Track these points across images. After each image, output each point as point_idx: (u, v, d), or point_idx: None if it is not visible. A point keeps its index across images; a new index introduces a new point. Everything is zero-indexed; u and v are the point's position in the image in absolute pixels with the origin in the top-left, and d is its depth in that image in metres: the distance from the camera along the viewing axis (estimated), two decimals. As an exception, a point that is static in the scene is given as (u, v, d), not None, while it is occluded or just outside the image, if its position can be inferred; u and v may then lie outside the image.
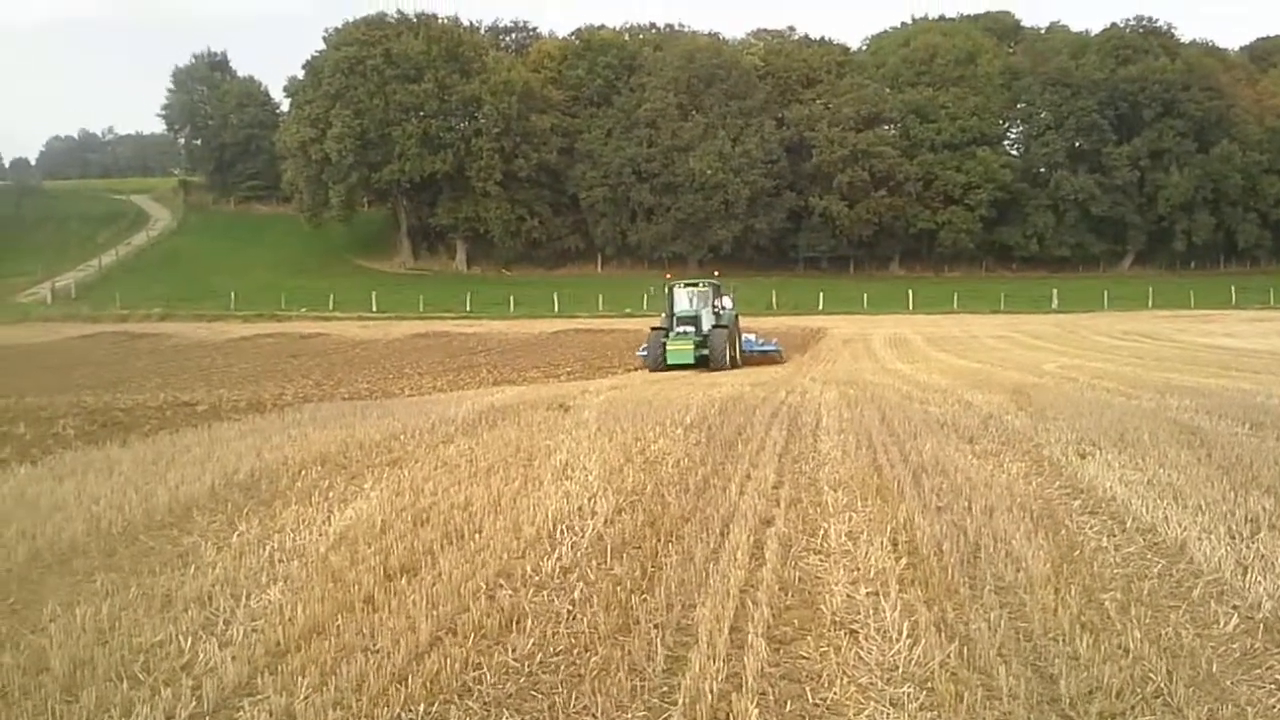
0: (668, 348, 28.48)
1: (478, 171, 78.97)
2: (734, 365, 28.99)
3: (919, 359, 32.43)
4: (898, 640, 5.01)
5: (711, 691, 4.39)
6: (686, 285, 32.17)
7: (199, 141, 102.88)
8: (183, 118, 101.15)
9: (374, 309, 63.29)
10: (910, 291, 69.96)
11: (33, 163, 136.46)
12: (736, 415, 13.24)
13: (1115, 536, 6.98)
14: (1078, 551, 6.61)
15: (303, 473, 9.14)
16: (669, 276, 33.93)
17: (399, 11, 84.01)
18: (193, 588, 5.70)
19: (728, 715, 4.23)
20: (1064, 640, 5.05)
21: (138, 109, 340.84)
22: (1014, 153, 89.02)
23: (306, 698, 4.27)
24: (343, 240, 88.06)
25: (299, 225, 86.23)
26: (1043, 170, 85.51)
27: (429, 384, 24.68)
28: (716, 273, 38.54)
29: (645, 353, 29.81)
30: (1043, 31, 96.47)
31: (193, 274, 72.50)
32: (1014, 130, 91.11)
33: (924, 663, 4.74)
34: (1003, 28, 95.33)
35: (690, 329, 29.33)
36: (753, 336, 33.58)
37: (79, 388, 23.89)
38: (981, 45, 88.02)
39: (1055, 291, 68.99)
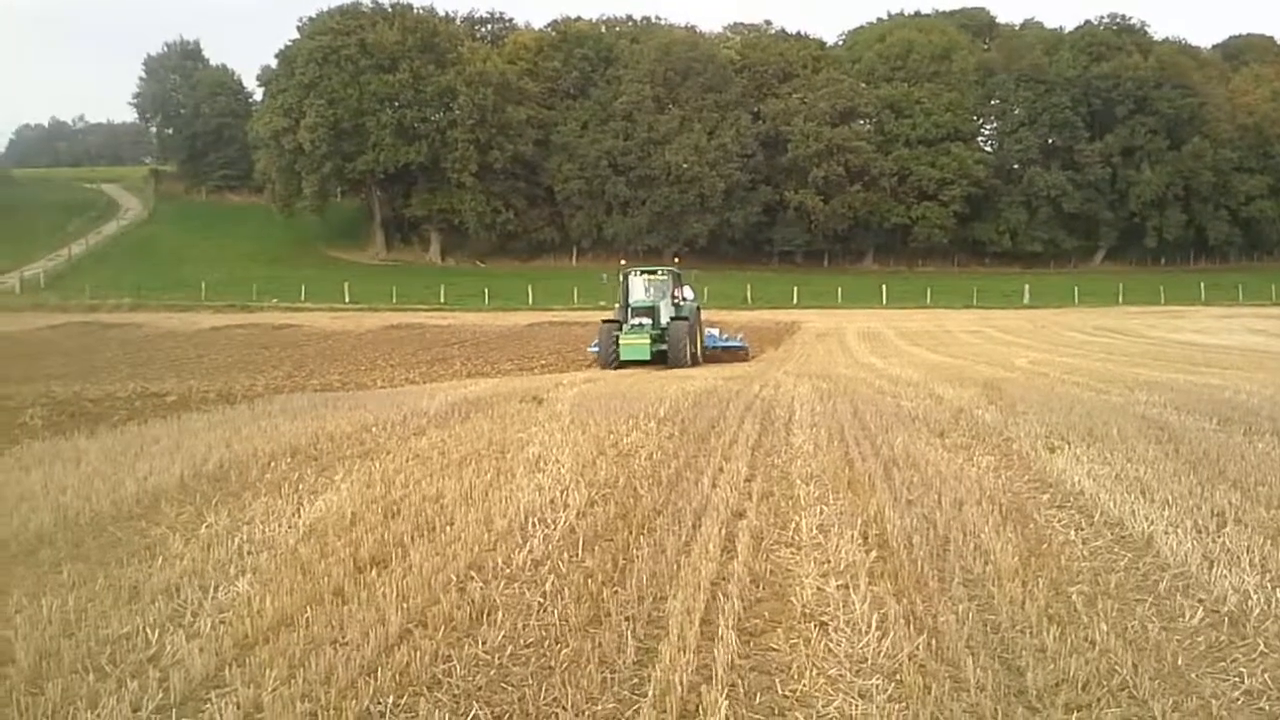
0: (621, 342, 26.19)
1: (453, 163, 78.68)
2: (695, 362, 26.63)
3: (892, 353, 32.58)
4: (867, 632, 5.03)
5: (681, 683, 4.39)
6: (643, 273, 29.49)
7: (171, 131, 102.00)
8: (154, 106, 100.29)
9: (347, 300, 62.96)
10: (884, 286, 70.35)
11: (2, 151, 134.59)
12: (710, 408, 13.26)
13: (1083, 530, 7.04)
14: (1046, 545, 6.66)
15: (272, 464, 9.07)
16: (624, 262, 30.93)
17: (374, 1, 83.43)
18: (160, 579, 5.65)
19: (697, 707, 4.24)
20: (1031, 632, 5.09)
21: (109, 97, 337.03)
22: (988, 149, 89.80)
23: (274, 690, 4.25)
24: (316, 231, 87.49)
25: (271, 215, 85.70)
26: (1016, 166, 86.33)
27: (402, 376, 24.54)
28: (677, 259, 34.88)
29: (597, 348, 27.44)
30: (1017, 28, 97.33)
31: (164, 264, 71.79)
32: (988, 126, 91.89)
33: (893, 654, 4.76)
34: (978, 24, 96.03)
35: (646, 321, 26.92)
36: (716, 331, 31.95)
37: (48, 378, 23.58)
38: (956, 41, 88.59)
39: (1027, 287, 69.59)
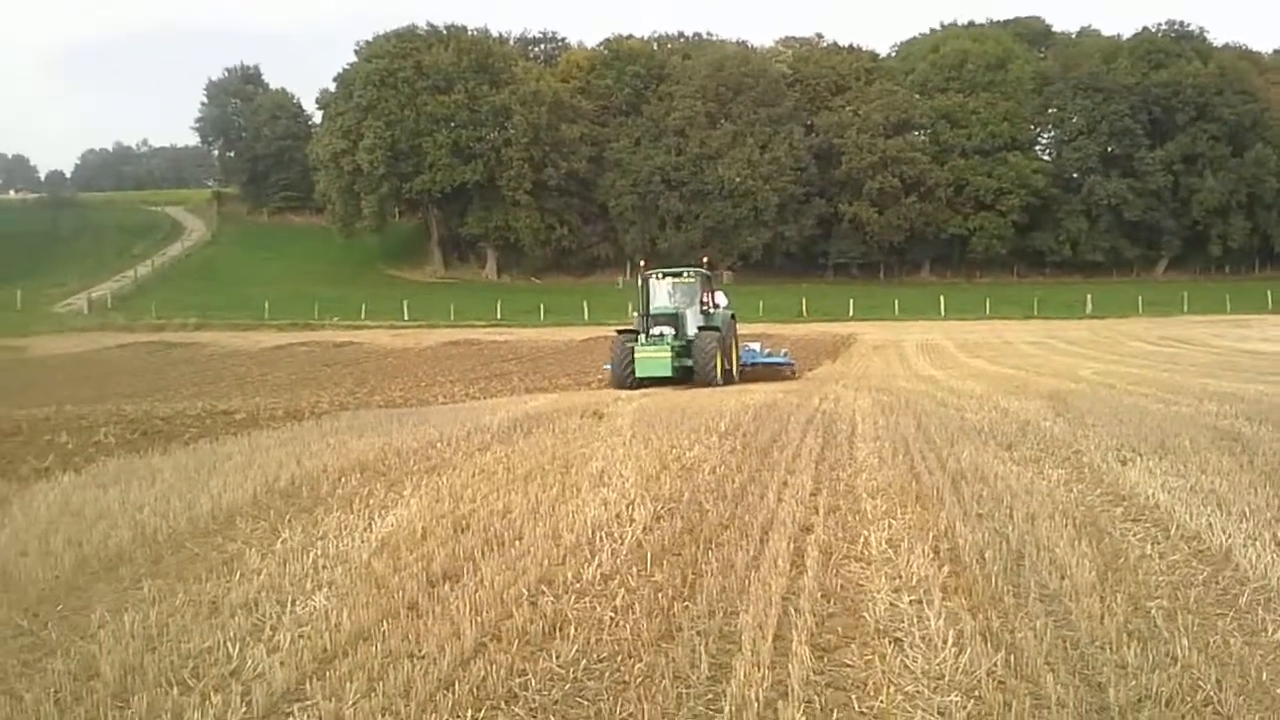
0: (637, 356, 22.57)
1: (508, 181, 79.49)
2: (728, 380, 23.43)
3: (952, 365, 32.25)
4: (943, 649, 4.97)
5: (758, 699, 4.38)
6: (666, 275, 25.49)
7: (232, 154, 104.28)
8: (216, 130, 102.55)
9: (405, 318, 63.77)
10: (942, 297, 69.66)
11: (68, 175, 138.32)
12: (771, 422, 13.21)
13: (1159, 544, 6.90)
14: (1122, 559, 6.54)
15: (343, 480, 9.21)
16: (643, 264, 26.16)
17: (429, 23, 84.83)
18: (239, 594, 5.76)
19: (779, 726, 4.21)
20: (1111, 648, 4.99)
21: (172, 122, 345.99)
22: (1046, 158, 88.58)
23: (355, 703, 4.31)
24: (375, 250, 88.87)
25: (332, 236, 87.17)
26: (1075, 175, 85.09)
27: (461, 392, 24.74)
28: (704, 258, 30.27)
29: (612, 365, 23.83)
30: (1073, 36, 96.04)
31: (227, 284, 73.32)
32: (1045, 135, 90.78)
33: (970, 671, 4.70)
34: (1033, 33, 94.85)
35: (668, 331, 23.10)
36: (756, 346, 28.85)
37: (117, 396, 24.21)
38: (1012, 50, 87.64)
39: (1089, 297, 68.45)
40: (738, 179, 79.54)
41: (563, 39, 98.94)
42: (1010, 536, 6.98)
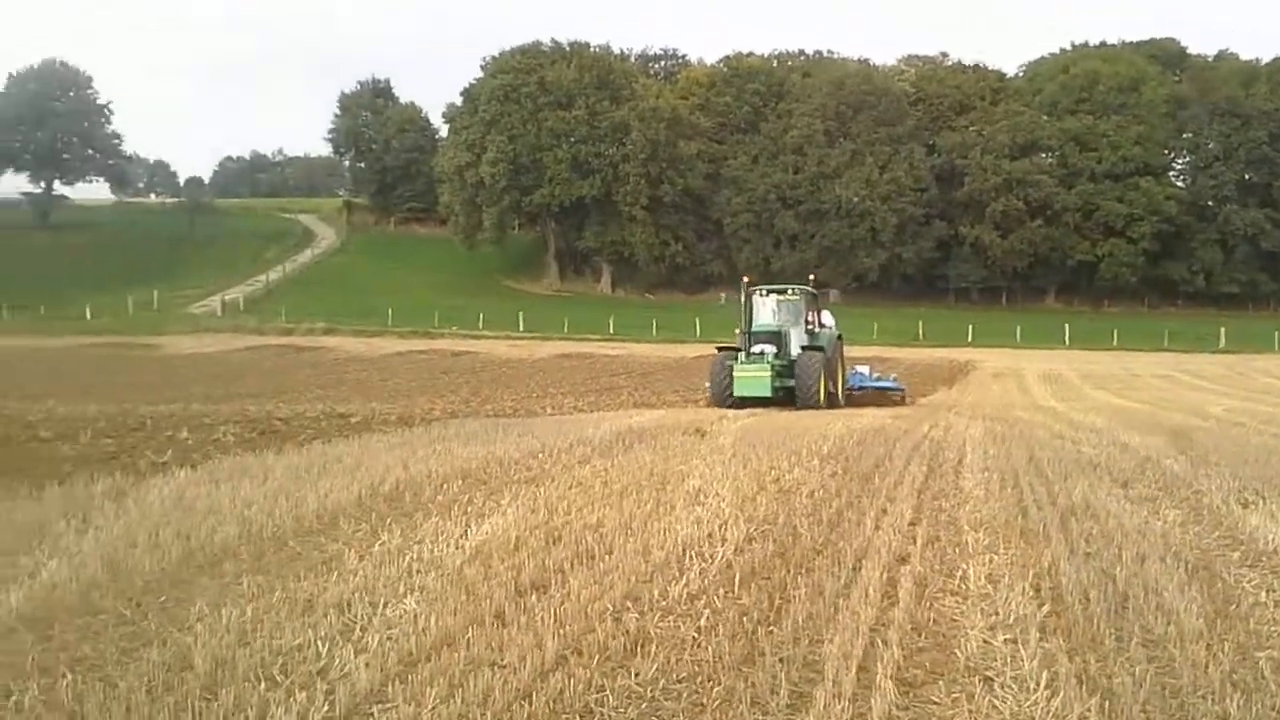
0: (735, 374, 21.93)
1: (624, 196, 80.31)
2: (833, 404, 22.50)
3: (1074, 397, 31.24)
4: (1035, 690, 4.79)
5: (835, 730, 4.30)
6: (771, 292, 24.71)
7: (363, 165, 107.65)
8: (348, 141, 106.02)
9: (521, 329, 64.71)
10: (1066, 326, 67.41)
11: (206, 181, 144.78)
12: (875, 447, 12.99)
13: (1275, 592, 6.53)
14: (1234, 606, 6.22)
15: (445, 486, 9.39)
16: (746, 280, 25.25)
17: (553, 40, 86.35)
18: (334, 594, 5.91)
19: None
20: (1213, 699, 4.75)
21: (306, 132, 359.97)
22: (1179, 184, 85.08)
23: (434, 708, 4.37)
24: (494, 262, 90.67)
25: (453, 246, 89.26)
26: (1210, 203, 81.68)
27: (571, 404, 24.96)
28: (812, 276, 29.20)
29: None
30: (1210, 60, 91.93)
31: (353, 291, 75.59)
32: (1180, 161, 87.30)
33: (1062, 715, 4.53)
34: (1167, 55, 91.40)
35: (770, 349, 22.35)
36: (865, 369, 28.04)
37: (243, 397, 25.15)
38: (1145, 73, 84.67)
39: (1223, 330, 65.30)
40: (855, 199, 78.71)
41: (683, 56, 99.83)
42: (1117, 577, 6.70)
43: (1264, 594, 6.49)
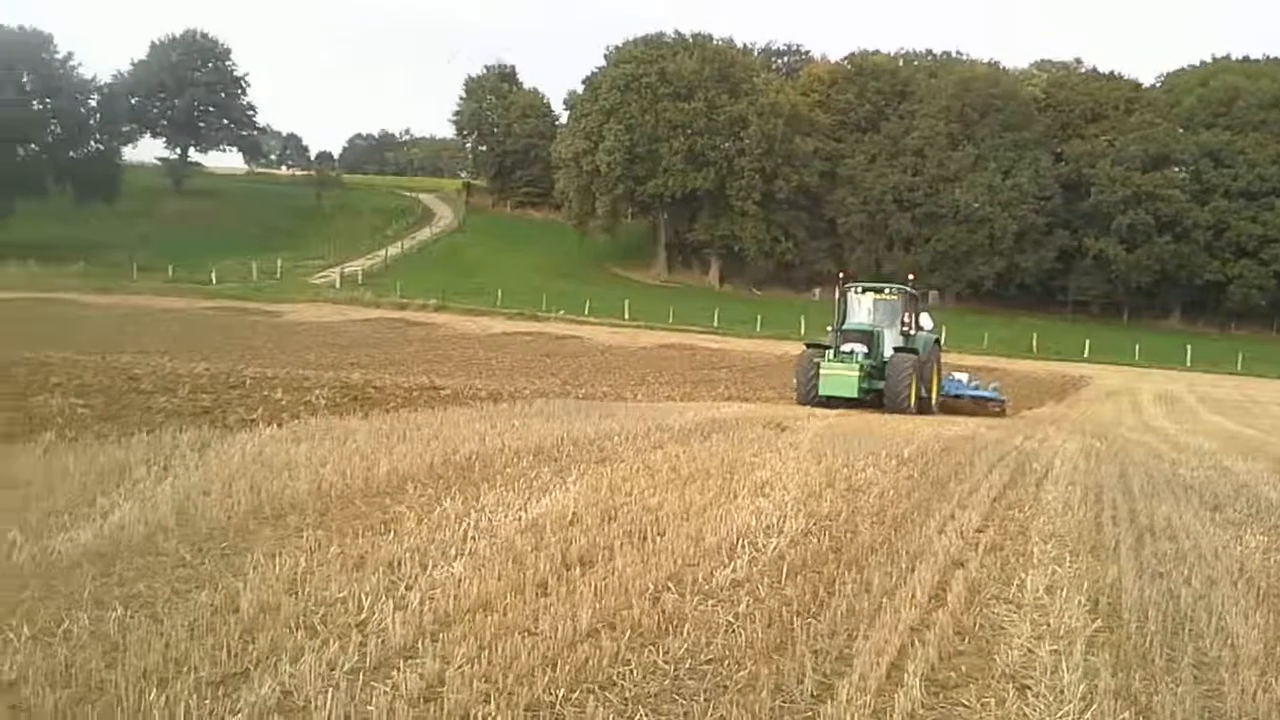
0: (822, 372, 21.32)
1: (737, 190, 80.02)
2: (923, 410, 21.71)
3: (1188, 419, 30.02)
4: (1068, 702, 4.68)
5: (851, 721, 4.27)
6: (867, 290, 23.99)
7: (484, 148, 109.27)
8: (471, 124, 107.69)
9: (626, 317, 65.02)
10: (1189, 346, 64.71)
11: (336, 157, 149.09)
12: (959, 454, 12.73)
13: (1354, 626, 6.22)
14: (1303, 636, 5.95)
15: (516, 460, 9.55)
16: (841, 275, 24.89)
17: (676, 31, 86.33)
18: (387, 553, 6.09)
19: (866, 751, 4.09)
20: (1259, 725, 4.57)
21: (434, 114, 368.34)
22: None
23: (460, 667, 4.48)
24: (605, 249, 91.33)
25: (565, 232, 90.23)
26: (1351, 227, 77.16)
27: (665, 393, 24.95)
28: (912, 275, 28.61)
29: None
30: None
31: (467, 271, 77.03)
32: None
33: (1091, 727, 4.41)
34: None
35: (861, 349, 21.72)
36: (964, 377, 27.32)
37: (350, 366, 25.88)
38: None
39: (1358, 360, 61.79)
40: (975, 204, 76.84)
41: (807, 52, 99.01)
42: (1182, 598, 6.48)
43: (1339, 626, 6.19)
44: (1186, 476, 12.55)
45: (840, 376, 21.16)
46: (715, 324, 64.09)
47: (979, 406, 25.22)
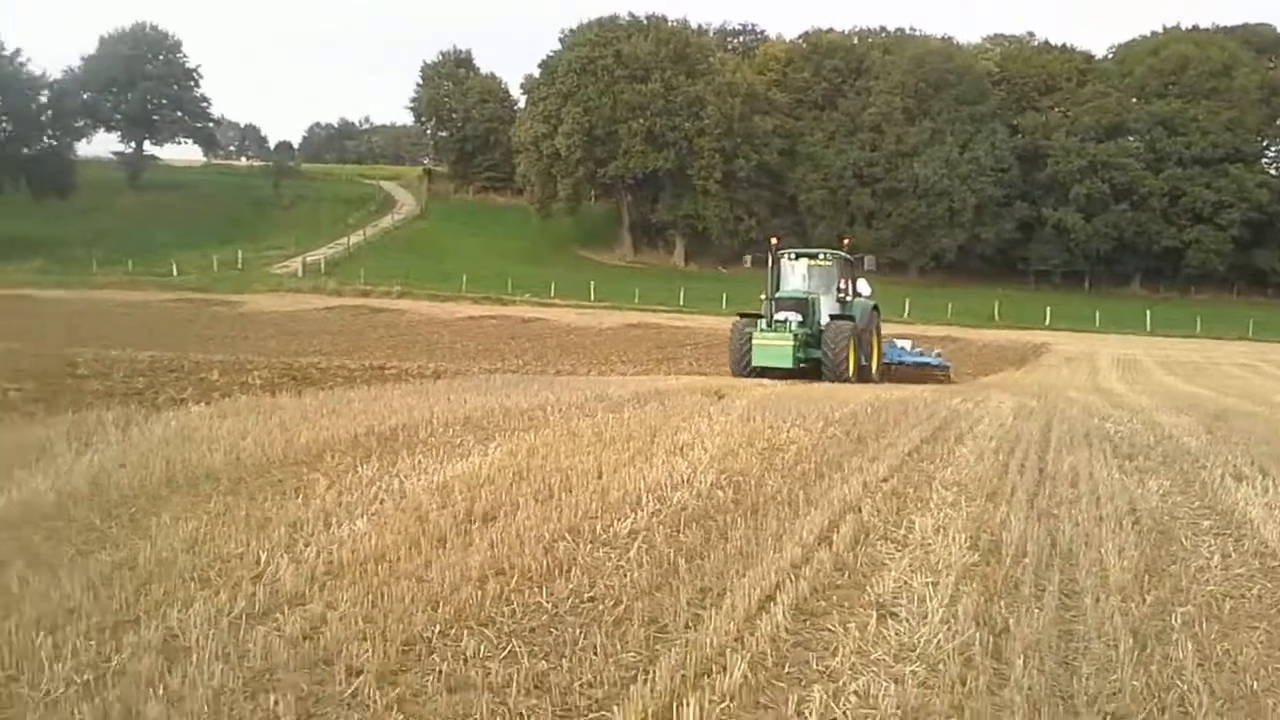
0: (755, 343, 20.62)
1: (699, 170, 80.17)
2: (864, 378, 21.05)
3: (1142, 381, 30.62)
4: (929, 625, 4.94)
5: (712, 645, 4.51)
6: (801, 256, 23.20)
7: (444, 134, 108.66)
8: (429, 111, 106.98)
9: (592, 298, 65.06)
10: (1148, 312, 65.59)
11: (296, 146, 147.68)
12: (889, 415, 13.01)
13: (1229, 556, 6.55)
14: (1175, 565, 6.27)
15: (443, 430, 9.73)
16: (774, 241, 23.65)
17: (630, 13, 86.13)
18: (292, 514, 6.28)
19: (723, 669, 4.32)
20: (1108, 644, 4.84)
21: (393, 101, 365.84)
22: (1272, 172, 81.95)
23: (343, 611, 4.69)
24: (569, 232, 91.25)
25: (529, 216, 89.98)
26: (1304, 191, 78.38)
27: (628, 370, 24.99)
28: (846, 240, 27.77)
29: None
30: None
31: (431, 257, 76.67)
32: (1272, 148, 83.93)
33: (943, 646, 4.67)
34: (1262, 41, 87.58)
35: (795, 317, 20.92)
36: (907, 344, 26.88)
37: (312, 353, 25.73)
38: (1237, 57, 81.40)
39: (1310, 320, 62.85)
40: (934, 178, 77.37)
41: (762, 31, 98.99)
42: (1066, 534, 6.79)
43: (1216, 558, 6.51)
44: (1111, 430, 12.89)
45: (774, 347, 20.49)
46: (681, 303, 64.29)
47: (924, 374, 25.03)
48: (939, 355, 27.53)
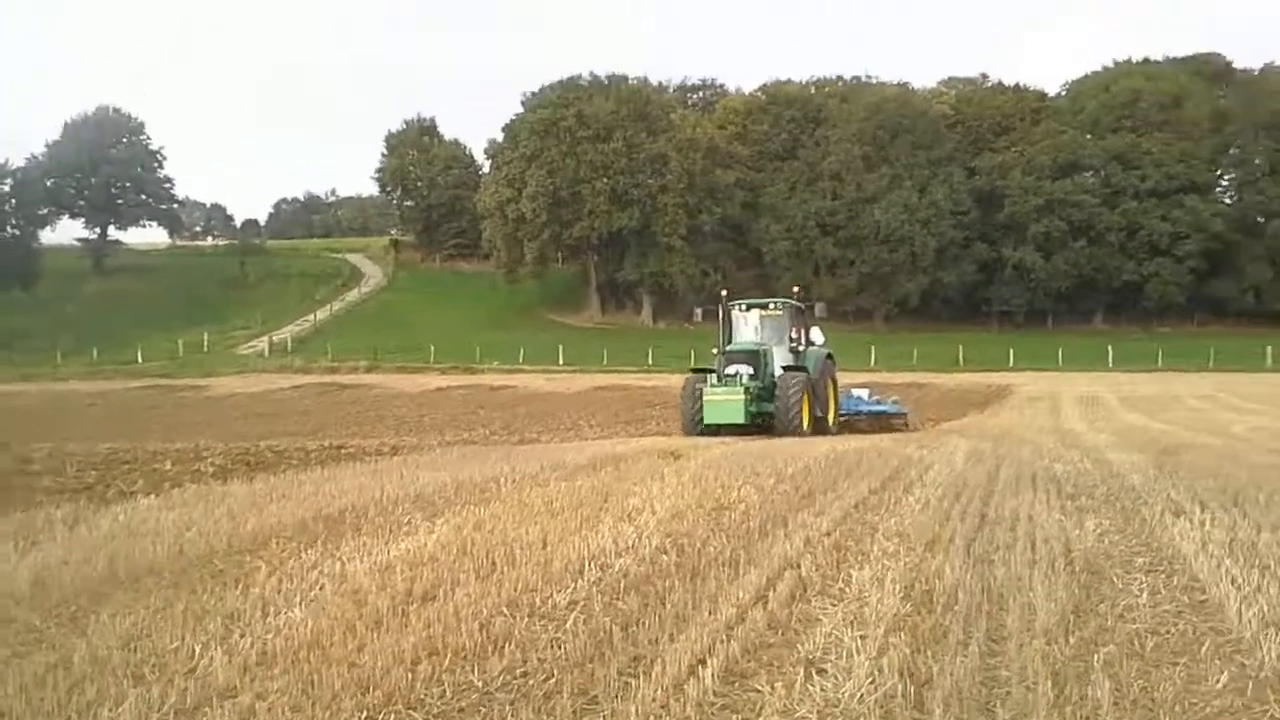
0: (705, 399, 19.88)
1: (663, 226, 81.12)
2: (820, 431, 20.54)
3: (1104, 419, 30.89)
4: (855, 679, 5.04)
5: (638, 713, 4.59)
6: (752, 307, 22.78)
7: (410, 203, 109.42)
8: (395, 180, 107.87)
9: (560, 362, 65.29)
10: (1110, 348, 66.46)
11: (262, 224, 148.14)
12: (843, 467, 13.16)
13: (1158, 594, 6.69)
14: (1104, 604, 6.40)
15: (391, 509, 9.76)
16: (724, 293, 23.48)
17: (591, 74, 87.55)
18: (230, 604, 6.31)
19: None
20: (1028, 687, 4.96)
21: (359, 173, 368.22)
22: (1226, 201, 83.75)
23: (272, 701, 4.74)
24: (536, 295, 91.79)
25: (497, 281, 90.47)
26: (1260, 220, 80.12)
27: (593, 434, 25.04)
28: (797, 289, 27.35)
29: None
30: (1256, 74, 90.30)
31: (398, 328, 76.93)
32: (1226, 177, 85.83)
33: (865, 699, 4.77)
34: (1212, 70, 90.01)
35: (746, 370, 20.32)
36: (863, 393, 26.15)
37: (277, 434, 25.65)
38: (1188, 88, 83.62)
39: (1269, 349, 63.79)
40: (894, 223, 78.54)
41: (721, 85, 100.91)
42: (996, 579, 6.91)
43: (1145, 595, 6.65)
44: (1059, 470, 13.09)
45: (725, 402, 19.83)
46: (650, 362, 64.65)
47: (883, 423, 24.70)
48: (895, 402, 27.14)
